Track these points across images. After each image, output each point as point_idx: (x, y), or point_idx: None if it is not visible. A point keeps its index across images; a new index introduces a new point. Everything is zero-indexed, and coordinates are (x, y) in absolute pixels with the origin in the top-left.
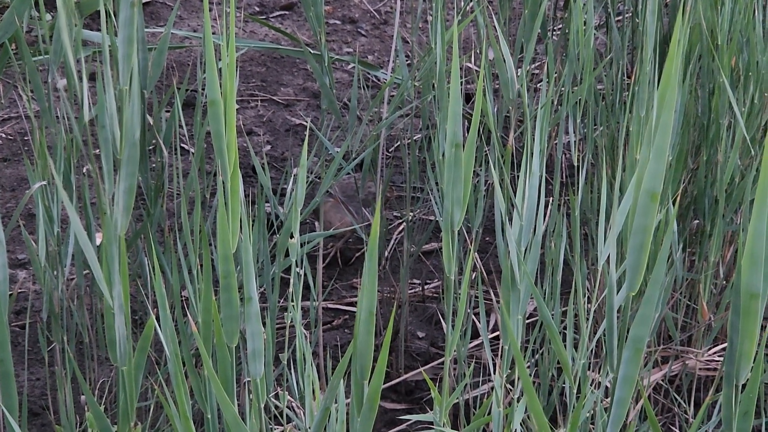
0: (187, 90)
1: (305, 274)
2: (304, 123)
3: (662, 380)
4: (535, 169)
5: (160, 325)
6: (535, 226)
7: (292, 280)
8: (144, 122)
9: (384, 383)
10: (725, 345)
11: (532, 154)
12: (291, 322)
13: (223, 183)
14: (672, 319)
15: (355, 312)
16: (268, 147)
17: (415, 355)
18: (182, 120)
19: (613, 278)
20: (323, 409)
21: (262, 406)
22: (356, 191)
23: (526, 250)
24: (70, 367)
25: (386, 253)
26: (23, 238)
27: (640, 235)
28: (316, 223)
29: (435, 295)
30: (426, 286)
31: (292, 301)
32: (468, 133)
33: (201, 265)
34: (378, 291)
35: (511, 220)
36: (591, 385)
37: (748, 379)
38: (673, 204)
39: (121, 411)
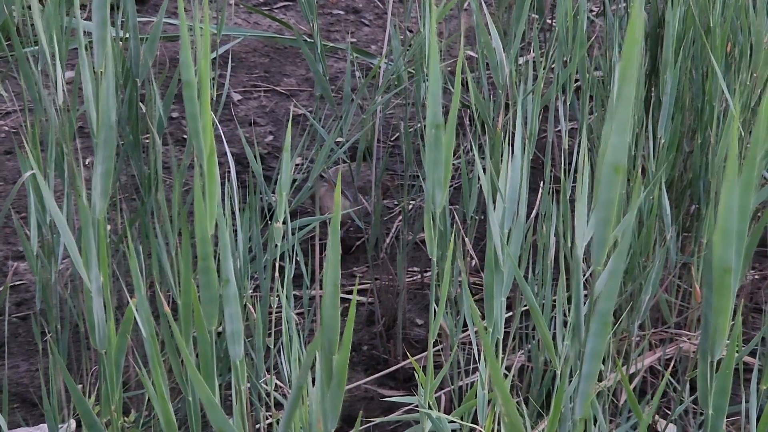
0: None
1: (298, 261)
2: (307, 113)
3: (657, 363)
4: (517, 152)
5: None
6: (518, 208)
7: (285, 265)
8: (137, 111)
9: (382, 370)
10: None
11: (515, 136)
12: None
13: (200, 165)
14: (666, 302)
15: (355, 299)
16: (271, 137)
17: (414, 342)
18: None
19: (579, 253)
20: (297, 387)
21: (243, 388)
22: (349, 178)
23: (510, 232)
24: (63, 356)
25: (386, 242)
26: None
27: (605, 209)
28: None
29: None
30: (425, 274)
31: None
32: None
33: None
34: (376, 279)
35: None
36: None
37: (723, 356)
38: (668, 188)
39: (103, 395)
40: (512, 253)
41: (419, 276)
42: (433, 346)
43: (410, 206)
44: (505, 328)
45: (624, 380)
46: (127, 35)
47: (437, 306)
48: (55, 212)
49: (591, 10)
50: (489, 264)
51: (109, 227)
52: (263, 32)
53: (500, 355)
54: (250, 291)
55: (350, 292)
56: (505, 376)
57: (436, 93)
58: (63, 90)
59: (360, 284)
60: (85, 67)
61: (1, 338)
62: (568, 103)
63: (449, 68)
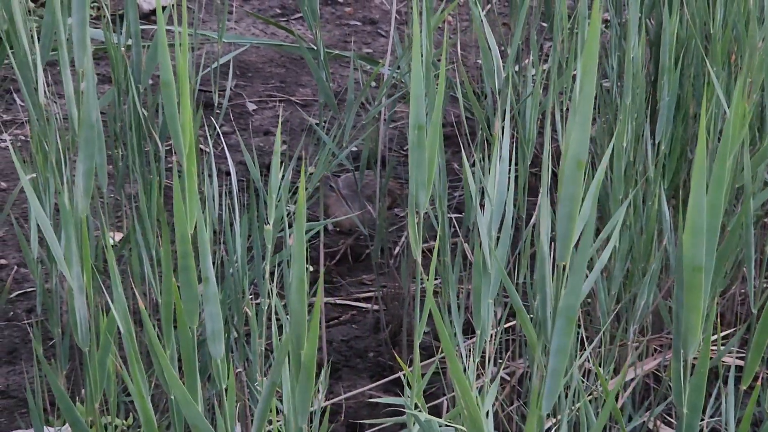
0: (205, 92)
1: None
2: (311, 121)
3: (657, 369)
4: (504, 154)
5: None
6: (504, 211)
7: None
8: (138, 116)
9: (386, 377)
10: (723, 333)
11: (503, 139)
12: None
13: (179, 164)
14: (666, 308)
15: (362, 307)
16: (284, 146)
17: (420, 349)
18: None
19: (544, 249)
20: (270, 384)
21: (224, 387)
22: (356, 186)
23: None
24: (64, 362)
25: (396, 250)
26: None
27: (568, 204)
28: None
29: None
30: (435, 281)
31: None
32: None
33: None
34: (383, 287)
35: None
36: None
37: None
38: (674, 196)
39: (87, 393)
40: (499, 255)
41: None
42: (438, 354)
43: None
44: (508, 335)
45: (603, 385)
46: (130, 42)
47: (422, 309)
48: (37, 209)
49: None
50: (477, 267)
51: (114, 235)
52: (269, 41)
53: (492, 360)
54: (250, 296)
55: (357, 299)
56: (506, 382)
57: (419, 94)
58: (44, 91)
59: (366, 292)
60: (66, 67)
61: (12, 344)
62: (566, 110)
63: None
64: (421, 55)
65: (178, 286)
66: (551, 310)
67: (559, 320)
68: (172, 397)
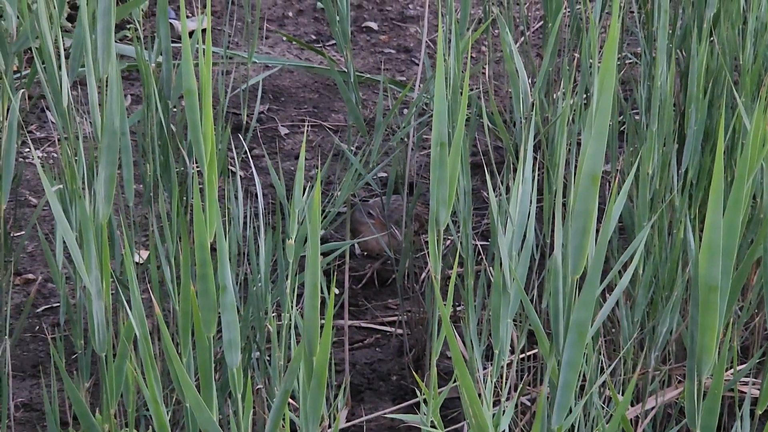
0: (237, 114)
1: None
2: (339, 142)
3: (679, 399)
4: (527, 175)
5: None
6: (526, 231)
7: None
8: (168, 131)
9: (409, 400)
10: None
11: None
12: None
13: (200, 173)
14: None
15: (387, 331)
16: (314, 171)
17: (443, 374)
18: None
19: (558, 262)
20: (283, 392)
21: (239, 395)
22: (383, 209)
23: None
24: (86, 374)
25: (422, 276)
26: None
27: (582, 219)
28: (356, 245)
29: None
30: (458, 307)
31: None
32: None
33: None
34: (408, 311)
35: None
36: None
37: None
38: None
39: (103, 400)
40: (519, 275)
41: (452, 309)
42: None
43: (447, 242)
44: (529, 362)
45: (616, 401)
46: (160, 58)
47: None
48: (59, 217)
49: (633, 53)
50: (496, 286)
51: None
52: (299, 62)
53: (509, 380)
54: (273, 314)
55: (382, 323)
56: (527, 408)
57: (441, 111)
58: (70, 101)
59: (391, 316)
60: (91, 75)
61: (36, 358)
62: None
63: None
64: (445, 74)
65: (196, 294)
66: (564, 324)
67: (571, 334)
68: (187, 405)
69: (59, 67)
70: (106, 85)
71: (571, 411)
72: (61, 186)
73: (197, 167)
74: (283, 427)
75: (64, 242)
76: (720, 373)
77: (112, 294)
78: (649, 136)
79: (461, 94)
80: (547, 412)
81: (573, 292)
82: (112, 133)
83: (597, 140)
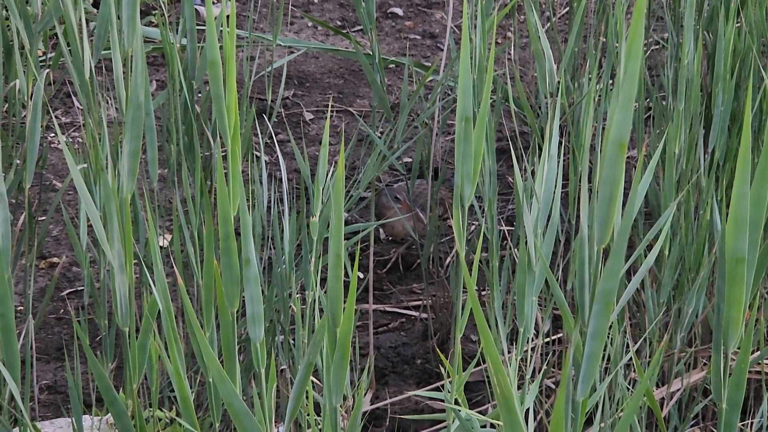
0: (262, 99)
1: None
2: (364, 124)
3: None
4: (553, 153)
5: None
6: (551, 210)
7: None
8: (193, 112)
9: (434, 383)
10: None
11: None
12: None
13: (224, 146)
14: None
15: (411, 315)
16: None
17: (468, 357)
18: (257, 127)
19: (584, 232)
20: (306, 364)
21: (263, 371)
22: (408, 193)
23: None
24: (110, 354)
25: (447, 260)
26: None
27: (609, 187)
28: (381, 229)
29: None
30: (483, 292)
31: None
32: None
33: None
34: (433, 296)
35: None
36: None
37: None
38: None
39: (126, 375)
40: (544, 252)
41: (477, 293)
42: (485, 362)
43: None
44: (554, 346)
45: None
46: (185, 40)
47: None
48: (83, 193)
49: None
50: (521, 264)
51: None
52: (324, 45)
53: (533, 358)
54: (297, 295)
55: (407, 307)
56: (551, 391)
57: (467, 86)
58: (90, 67)
59: (416, 300)
60: (115, 48)
61: (60, 341)
62: None
63: (501, 76)
64: (471, 52)
65: (220, 269)
66: (589, 294)
67: (596, 304)
68: (210, 380)
69: (82, 45)
70: (131, 60)
71: (595, 388)
72: (85, 165)
73: (223, 149)
74: (307, 405)
75: (89, 225)
76: (747, 347)
77: (135, 277)
78: (675, 115)
79: (486, 71)
80: (571, 386)
81: (599, 263)
82: (137, 107)
83: (624, 108)
